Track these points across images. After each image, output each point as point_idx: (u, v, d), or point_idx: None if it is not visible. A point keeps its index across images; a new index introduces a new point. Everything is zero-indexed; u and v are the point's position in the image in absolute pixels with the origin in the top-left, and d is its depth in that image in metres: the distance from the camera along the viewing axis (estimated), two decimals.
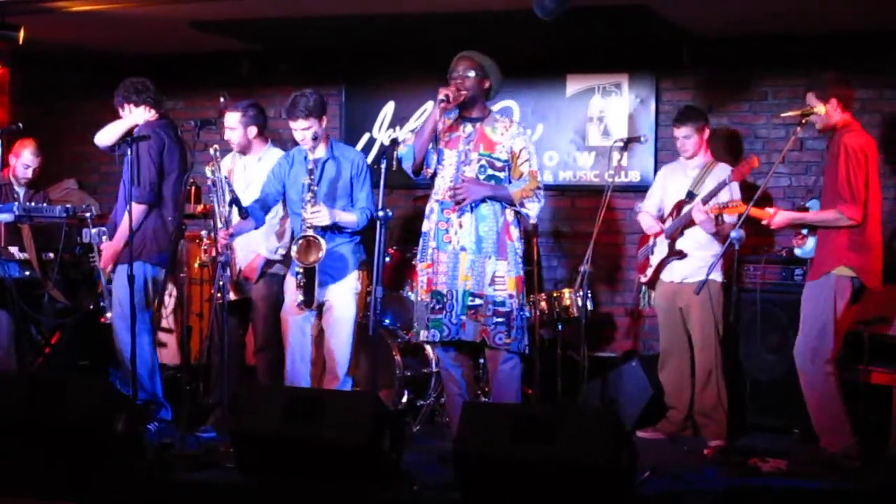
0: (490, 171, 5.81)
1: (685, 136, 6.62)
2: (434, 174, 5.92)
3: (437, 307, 5.79)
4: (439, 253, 5.83)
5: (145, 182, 6.46)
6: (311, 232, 6.04)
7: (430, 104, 8.16)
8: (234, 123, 6.60)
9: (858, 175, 5.72)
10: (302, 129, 6.16)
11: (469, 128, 5.88)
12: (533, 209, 5.83)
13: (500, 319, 5.73)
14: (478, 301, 5.73)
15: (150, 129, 6.54)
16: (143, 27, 7.65)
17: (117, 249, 6.48)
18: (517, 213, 5.83)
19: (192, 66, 8.59)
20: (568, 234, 7.98)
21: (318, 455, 4.91)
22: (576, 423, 4.66)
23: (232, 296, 6.42)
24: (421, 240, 5.97)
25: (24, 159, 7.45)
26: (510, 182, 5.82)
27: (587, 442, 4.56)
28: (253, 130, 6.62)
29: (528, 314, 6.00)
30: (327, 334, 6.29)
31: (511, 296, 5.74)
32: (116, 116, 6.76)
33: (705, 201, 6.35)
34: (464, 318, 5.74)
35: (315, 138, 6.15)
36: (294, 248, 6.08)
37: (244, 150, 6.68)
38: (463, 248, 5.77)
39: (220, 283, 5.98)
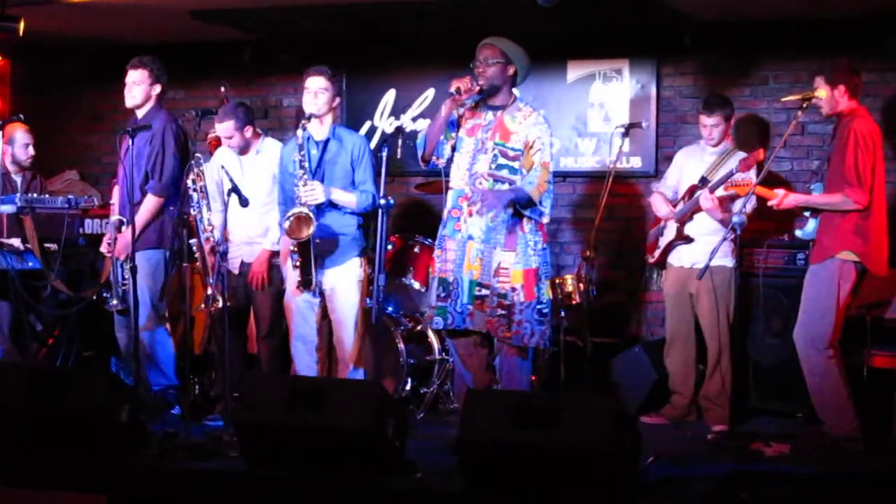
0: (502, 160, 5.72)
1: (714, 124, 6.53)
2: (450, 162, 5.86)
3: (443, 295, 5.77)
4: (448, 240, 5.80)
5: (167, 177, 6.51)
6: (301, 209, 6.03)
7: (431, 91, 8.16)
8: (230, 132, 6.52)
9: (866, 160, 5.74)
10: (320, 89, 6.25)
11: (490, 115, 5.80)
12: (547, 207, 5.72)
13: (502, 312, 5.69)
14: (484, 291, 5.70)
15: (171, 122, 6.57)
16: (143, 17, 7.63)
17: (129, 241, 6.46)
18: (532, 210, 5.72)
19: (193, 55, 8.57)
20: (570, 221, 7.98)
21: (321, 443, 4.92)
22: (579, 410, 4.66)
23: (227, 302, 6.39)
24: (439, 226, 5.95)
25: (21, 140, 7.25)
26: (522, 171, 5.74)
27: (590, 428, 4.56)
28: (249, 130, 6.58)
29: (545, 307, 5.80)
30: (334, 324, 6.29)
31: (514, 289, 5.68)
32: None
33: (712, 189, 6.34)
34: (471, 307, 5.72)
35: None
36: (286, 224, 6.06)
37: (243, 150, 6.65)
38: (470, 237, 5.73)
39: (221, 274, 6.00)
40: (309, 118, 6.16)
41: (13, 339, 7.05)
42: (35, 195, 7.14)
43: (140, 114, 6.66)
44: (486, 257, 5.70)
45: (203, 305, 6.12)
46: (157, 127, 6.55)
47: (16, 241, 6.97)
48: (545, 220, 5.79)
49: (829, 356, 5.82)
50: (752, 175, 6.29)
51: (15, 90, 8.97)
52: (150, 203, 6.53)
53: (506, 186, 5.73)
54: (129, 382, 6.29)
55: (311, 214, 5.99)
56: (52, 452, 5.19)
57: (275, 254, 6.56)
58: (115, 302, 6.55)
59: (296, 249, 6.08)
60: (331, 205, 6.19)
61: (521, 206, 5.68)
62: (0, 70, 8.87)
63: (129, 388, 5.89)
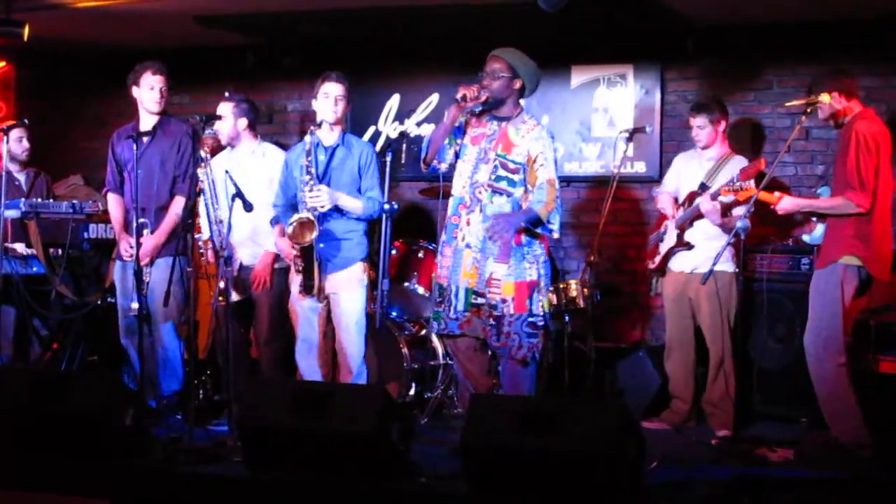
0: (501, 172, 5.71)
1: (699, 125, 6.59)
2: (451, 168, 5.86)
3: (438, 300, 5.79)
4: (446, 247, 5.81)
5: (192, 178, 6.42)
6: (305, 213, 6.02)
7: (435, 96, 8.17)
8: (225, 113, 6.59)
9: (868, 163, 5.68)
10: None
11: (494, 126, 5.80)
12: (556, 223, 5.71)
13: (492, 322, 5.69)
14: (480, 300, 5.71)
15: (184, 124, 6.57)
16: (147, 22, 7.66)
17: (159, 244, 6.45)
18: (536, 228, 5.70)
19: (197, 60, 8.58)
20: (574, 226, 7.98)
21: (325, 448, 4.92)
22: (583, 414, 4.66)
23: (235, 296, 6.38)
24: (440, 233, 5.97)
25: (14, 134, 7.16)
26: (525, 185, 5.72)
27: (594, 433, 4.56)
28: (243, 122, 6.60)
29: (539, 319, 5.74)
30: (337, 329, 6.26)
31: (504, 300, 5.66)
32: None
33: (714, 196, 6.33)
34: (468, 314, 5.72)
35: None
36: (289, 229, 6.05)
37: (232, 141, 6.64)
38: (468, 246, 5.72)
39: (224, 279, 5.98)
40: (320, 124, 6.13)
41: (17, 344, 7.05)
42: (40, 200, 7.12)
43: (154, 119, 6.63)
44: (481, 267, 5.70)
45: (219, 299, 6.08)
46: (182, 130, 6.54)
47: (20, 246, 6.97)
48: (555, 236, 5.80)
49: (840, 363, 5.76)
50: (752, 183, 6.30)
51: (20, 95, 8.99)
52: (180, 206, 6.49)
53: (504, 199, 5.71)
54: (134, 387, 6.29)
55: (315, 219, 5.98)
56: (54, 456, 5.19)
57: (278, 257, 6.57)
58: (134, 306, 6.29)
59: (298, 254, 6.07)
60: (336, 210, 6.17)
61: (531, 226, 5.68)
62: (5, 75, 8.89)
63: (133, 392, 5.88)
